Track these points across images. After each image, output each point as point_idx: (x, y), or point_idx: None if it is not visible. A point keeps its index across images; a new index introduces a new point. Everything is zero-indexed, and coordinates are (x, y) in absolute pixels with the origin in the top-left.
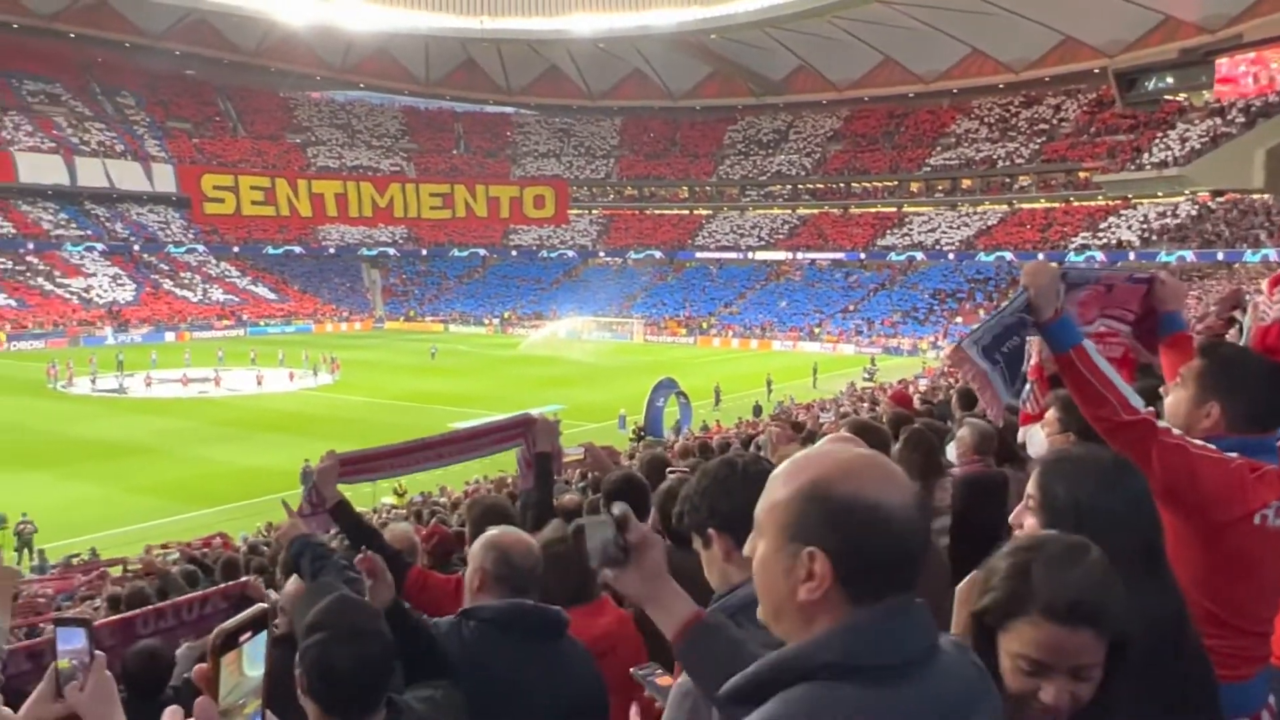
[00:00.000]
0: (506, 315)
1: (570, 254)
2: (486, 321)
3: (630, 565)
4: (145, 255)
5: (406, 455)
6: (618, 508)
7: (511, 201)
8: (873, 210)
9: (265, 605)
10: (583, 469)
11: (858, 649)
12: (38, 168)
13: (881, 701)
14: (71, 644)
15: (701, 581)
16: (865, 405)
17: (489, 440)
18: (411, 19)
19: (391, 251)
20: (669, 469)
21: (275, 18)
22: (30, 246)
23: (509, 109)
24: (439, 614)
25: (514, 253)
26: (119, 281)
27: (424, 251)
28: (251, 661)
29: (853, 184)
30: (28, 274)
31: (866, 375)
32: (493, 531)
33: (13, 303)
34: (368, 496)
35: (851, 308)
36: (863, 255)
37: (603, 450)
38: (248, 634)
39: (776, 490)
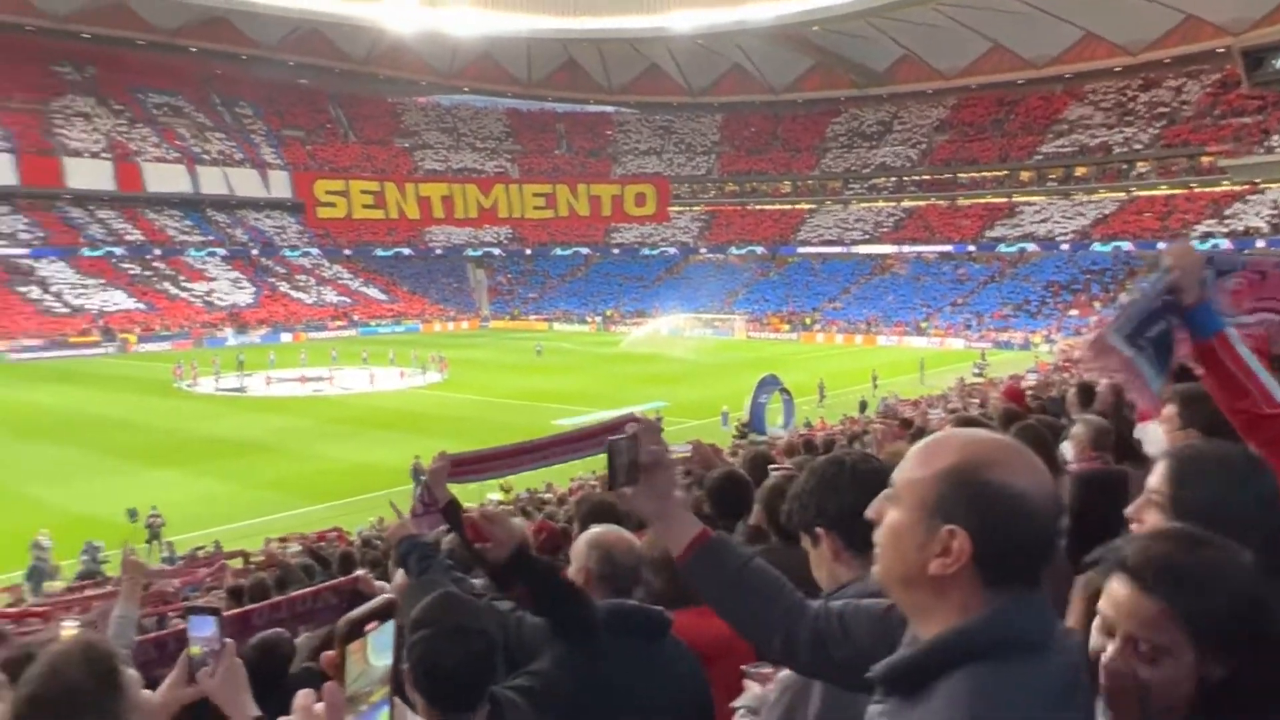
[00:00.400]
0: (609, 313)
1: (672, 251)
2: (589, 319)
3: (642, 484)
4: (263, 259)
5: (515, 456)
6: (631, 428)
7: (613, 200)
8: (981, 201)
9: (392, 596)
10: (687, 466)
11: (1012, 628)
12: (163, 177)
13: (1047, 675)
14: (202, 631)
15: (808, 578)
16: (975, 401)
17: (595, 440)
18: (513, 21)
19: (496, 251)
20: (770, 466)
21: (384, 26)
22: (157, 252)
23: (610, 108)
24: None
25: (616, 251)
26: (239, 285)
27: (528, 251)
28: (377, 651)
29: (960, 174)
30: (155, 279)
31: (976, 370)
32: (596, 530)
33: (142, 306)
34: (474, 493)
35: (960, 301)
36: (971, 247)
37: (708, 447)
38: (374, 624)
39: (920, 465)
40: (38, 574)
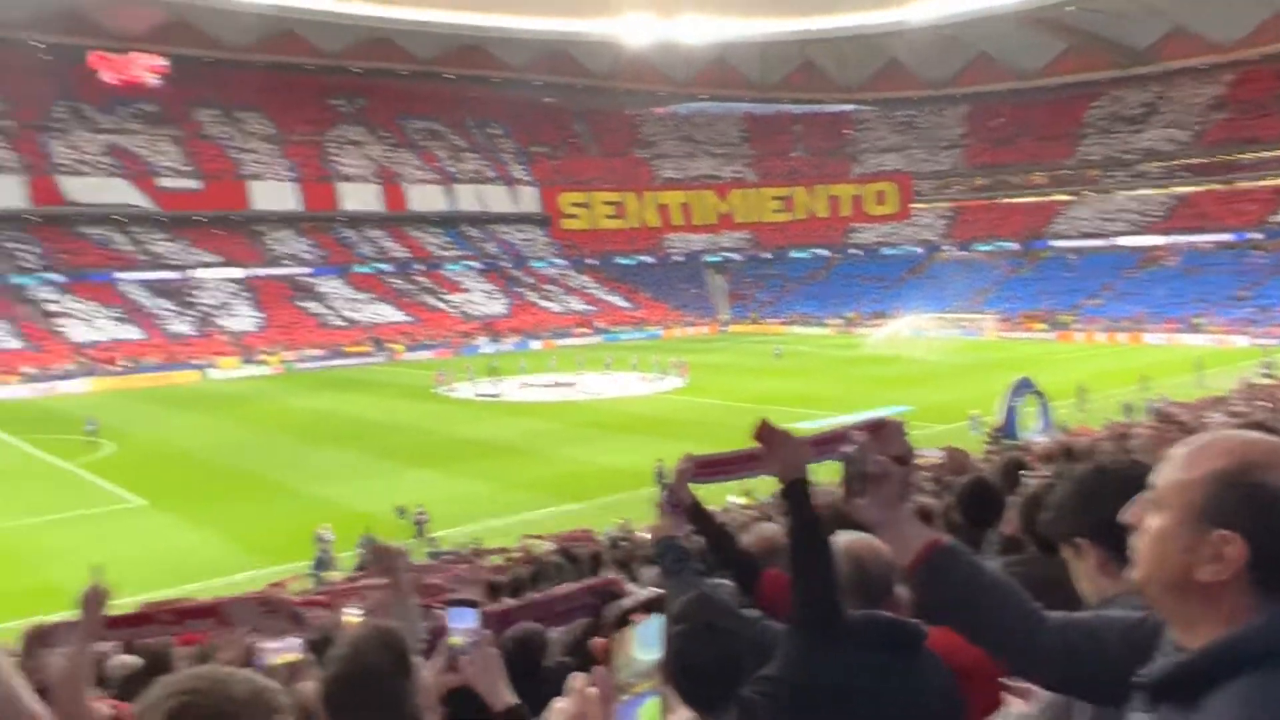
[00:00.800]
0: (849, 315)
1: (915, 250)
2: (828, 322)
3: (868, 493)
4: (513, 271)
5: (758, 459)
6: (859, 437)
7: (852, 200)
8: (1267, 184)
9: (662, 591)
10: (937, 472)
11: None
12: (424, 197)
13: None
14: (463, 623)
15: (1069, 589)
16: (1264, 404)
17: (834, 446)
18: (747, 26)
19: (735, 256)
20: (1023, 473)
21: (622, 40)
22: (420, 268)
23: (847, 106)
24: None
25: (856, 251)
26: (492, 296)
27: (766, 255)
28: (643, 644)
29: (1240, 155)
30: (418, 292)
31: (1264, 370)
32: (845, 538)
33: (407, 318)
34: (716, 494)
35: (1243, 294)
36: (1256, 234)
37: (961, 453)
38: (641, 616)
39: (1187, 467)
40: (321, 564)
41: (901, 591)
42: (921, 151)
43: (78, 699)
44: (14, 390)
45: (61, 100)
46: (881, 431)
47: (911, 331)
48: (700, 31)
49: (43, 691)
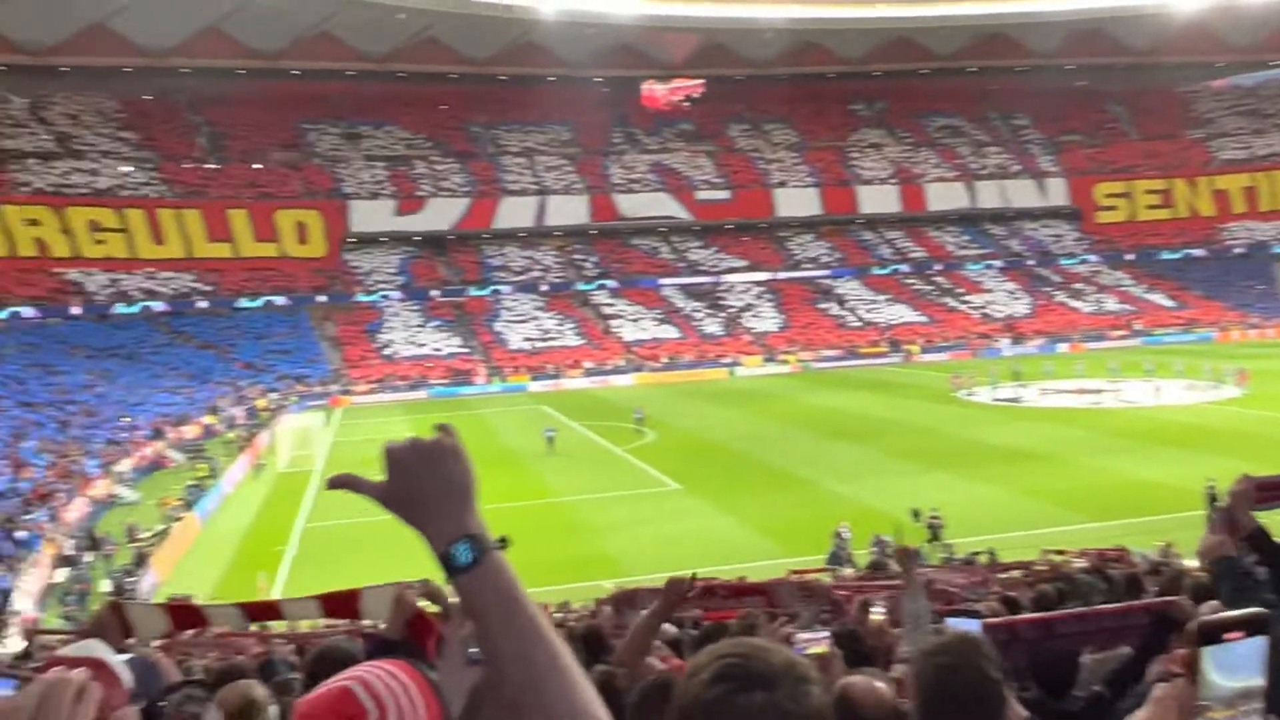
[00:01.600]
0: None
1: None
2: None
3: None
4: (1038, 269)
5: None
6: None
7: None
8: None
9: (1263, 610)
10: None
11: None
12: (942, 196)
13: None
14: None
15: None
16: None
17: None
18: None
19: None
20: None
21: (1169, 11)
22: (938, 268)
23: None
24: None
25: None
26: (1014, 296)
27: None
28: (1220, 665)
29: None
30: (935, 293)
31: None
32: None
33: (923, 319)
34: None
35: None
36: None
37: None
38: (1237, 634)
39: None
40: (835, 559)
41: None
42: None
43: (645, 654)
44: (576, 382)
45: (617, 126)
46: None
47: None
48: None
49: (602, 641)
